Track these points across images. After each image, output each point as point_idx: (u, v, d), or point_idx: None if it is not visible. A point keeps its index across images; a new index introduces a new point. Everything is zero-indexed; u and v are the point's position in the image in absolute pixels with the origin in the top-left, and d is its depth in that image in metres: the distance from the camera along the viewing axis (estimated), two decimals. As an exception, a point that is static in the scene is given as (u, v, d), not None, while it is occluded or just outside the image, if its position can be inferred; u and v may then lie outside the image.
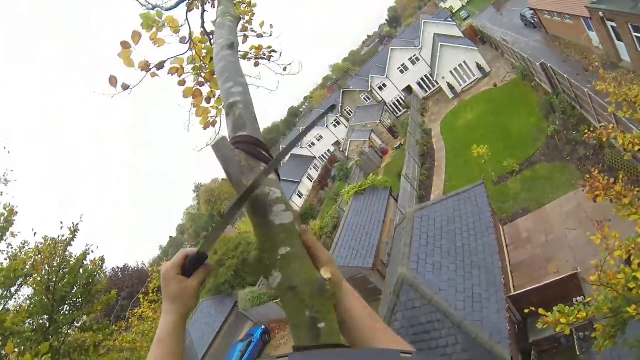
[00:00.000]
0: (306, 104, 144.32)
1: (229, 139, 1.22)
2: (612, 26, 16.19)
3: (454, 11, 73.50)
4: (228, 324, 25.31)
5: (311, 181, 48.56)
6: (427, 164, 26.46)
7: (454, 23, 40.52)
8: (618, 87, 7.33)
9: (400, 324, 10.06)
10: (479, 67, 32.31)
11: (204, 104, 2.79)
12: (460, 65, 32.99)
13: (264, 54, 3.41)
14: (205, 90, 2.80)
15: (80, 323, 9.57)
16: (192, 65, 2.73)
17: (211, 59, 2.61)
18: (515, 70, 27.45)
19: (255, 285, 26.67)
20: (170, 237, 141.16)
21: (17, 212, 8.92)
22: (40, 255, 8.84)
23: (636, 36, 14.63)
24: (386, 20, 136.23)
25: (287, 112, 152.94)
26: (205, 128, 2.84)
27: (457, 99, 33.26)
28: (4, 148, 9.95)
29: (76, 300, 9.29)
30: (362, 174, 32.99)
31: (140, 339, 10.98)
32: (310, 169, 50.41)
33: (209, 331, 25.61)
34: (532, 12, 29.64)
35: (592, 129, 13.92)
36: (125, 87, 2.32)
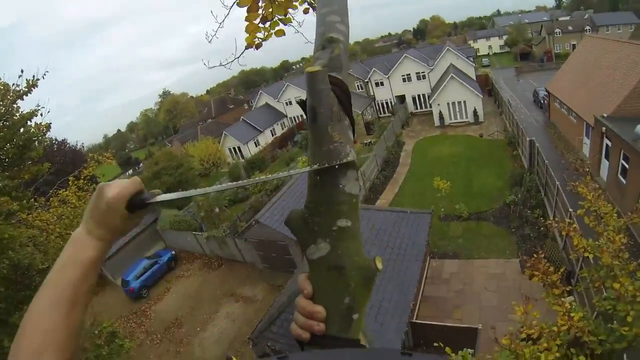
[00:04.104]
0: (301, 64, 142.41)
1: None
2: (606, 144, 17.16)
3: (478, 54, 74.76)
4: (141, 237, 24.58)
5: (273, 136, 48.16)
6: (386, 171, 27.02)
7: (473, 64, 41.07)
8: (596, 198, 7.75)
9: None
10: (475, 113, 33.07)
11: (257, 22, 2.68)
12: (459, 102, 33.60)
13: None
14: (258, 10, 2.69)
15: (0, 184, 8.84)
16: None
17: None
18: (504, 133, 28.52)
19: (181, 209, 26.37)
20: (119, 130, 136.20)
21: None
22: None
23: (622, 163, 15.58)
24: (413, 28, 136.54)
25: (279, 62, 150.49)
26: (248, 47, 2.72)
27: (441, 130, 34.05)
28: None
29: (5, 159, 8.44)
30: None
31: (54, 221, 9.95)
32: (277, 124, 49.90)
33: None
34: (546, 93, 30.31)
35: (546, 217, 14.79)
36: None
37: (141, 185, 1.00)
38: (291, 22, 2.69)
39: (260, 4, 2.60)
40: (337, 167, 0.93)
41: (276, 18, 2.63)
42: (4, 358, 8.70)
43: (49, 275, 0.92)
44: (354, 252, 0.91)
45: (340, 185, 0.94)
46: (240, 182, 1.09)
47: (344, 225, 0.92)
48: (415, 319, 11.92)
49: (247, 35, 2.65)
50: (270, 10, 2.64)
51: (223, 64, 3.00)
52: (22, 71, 8.43)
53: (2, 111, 8.18)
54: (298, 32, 3.07)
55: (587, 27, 65.64)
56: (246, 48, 2.73)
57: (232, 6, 2.70)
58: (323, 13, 1.41)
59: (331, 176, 0.94)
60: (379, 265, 0.91)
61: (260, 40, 2.72)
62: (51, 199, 11.10)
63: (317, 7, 1.50)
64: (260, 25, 2.65)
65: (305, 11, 3.06)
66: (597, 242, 6.73)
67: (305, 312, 0.88)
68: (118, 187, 0.96)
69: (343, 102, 1.02)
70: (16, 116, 8.47)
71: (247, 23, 2.61)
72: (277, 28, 2.59)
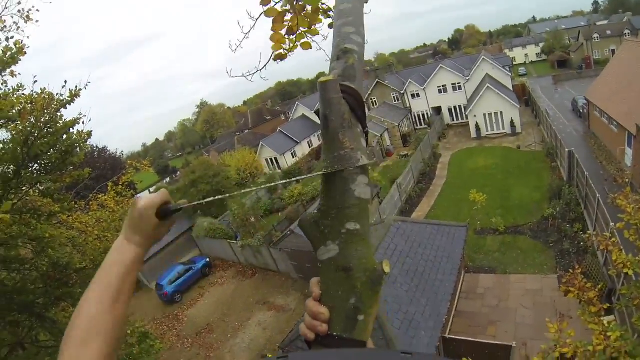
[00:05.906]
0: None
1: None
2: (649, 153, 16.41)
3: (514, 62, 73.22)
4: (176, 244, 25.39)
5: (310, 147, 48.60)
6: (423, 184, 26.81)
7: (510, 74, 40.29)
8: (637, 210, 7.36)
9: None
10: (512, 124, 32.36)
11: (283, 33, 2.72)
12: (495, 114, 32.96)
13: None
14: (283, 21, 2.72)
15: (43, 187, 9.02)
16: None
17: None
18: (542, 144, 27.79)
19: (217, 217, 26.87)
20: (157, 139, 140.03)
21: (25, 52, 8.28)
22: (31, 105, 8.21)
23: (665, 174, 14.80)
24: (448, 38, 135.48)
25: (316, 74, 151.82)
26: (275, 58, 2.75)
27: (478, 141, 33.50)
28: None
29: (49, 163, 8.80)
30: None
31: (93, 224, 10.46)
32: (314, 135, 50.14)
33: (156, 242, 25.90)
34: (585, 102, 29.31)
35: (586, 231, 14.30)
36: None
37: (168, 196, 1.15)
38: (318, 33, 2.68)
39: (286, 17, 2.68)
40: (346, 172, 0.98)
41: (301, 30, 2.61)
42: (40, 351, 9.12)
43: (96, 275, 1.06)
44: (362, 255, 0.95)
45: (351, 190, 0.98)
46: (265, 185, 1.16)
47: (352, 228, 0.96)
48: (448, 334, 11.74)
49: (273, 44, 2.73)
50: (296, 22, 2.71)
51: (245, 74, 3.05)
52: (65, 82, 8.75)
53: (47, 119, 8.48)
54: (320, 49, 2.99)
55: (627, 31, 63.11)
56: (274, 59, 2.73)
57: (258, 17, 2.74)
58: (339, 25, 1.47)
59: (341, 181, 0.99)
60: (386, 269, 0.94)
61: (285, 51, 2.80)
62: (90, 202, 11.58)
63: (334, 19, 1.57)
64: (286, 36, 2.73)
65: (331, 26, 2.95)
66: (637, 258, 6.50)
67: (311, 313, 0.93)
68: (148, 197, 1.13)
69: (355, 110, 1.07)
70: (59, 124, 8.81)
71: (273, 32, 2.70)
72: (302, 40, 2.58)
